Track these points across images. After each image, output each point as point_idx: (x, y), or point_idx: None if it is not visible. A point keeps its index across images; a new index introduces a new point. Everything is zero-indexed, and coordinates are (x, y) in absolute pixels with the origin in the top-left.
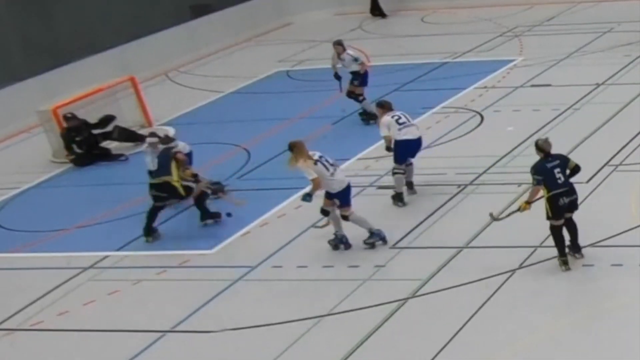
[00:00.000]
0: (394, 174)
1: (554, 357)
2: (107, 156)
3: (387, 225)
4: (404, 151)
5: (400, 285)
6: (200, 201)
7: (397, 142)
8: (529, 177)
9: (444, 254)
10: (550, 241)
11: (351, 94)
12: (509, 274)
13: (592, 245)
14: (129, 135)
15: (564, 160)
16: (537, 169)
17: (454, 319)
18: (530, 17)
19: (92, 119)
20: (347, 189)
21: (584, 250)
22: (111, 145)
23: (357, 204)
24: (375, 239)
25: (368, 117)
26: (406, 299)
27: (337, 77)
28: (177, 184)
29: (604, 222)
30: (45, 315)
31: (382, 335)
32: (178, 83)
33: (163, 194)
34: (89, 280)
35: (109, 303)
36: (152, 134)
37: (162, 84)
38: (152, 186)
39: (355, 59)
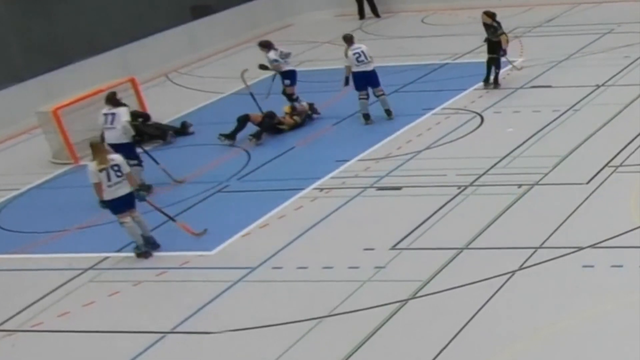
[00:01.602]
0: (359, 99)
1: (554, 358)
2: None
3: (388, 225)
4: (359, 80)
5: (401, 286)
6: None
7: (353, 74)
8: (529, 179)
9: (445, 255)
10: (551, 242)
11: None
12: (509, 274)
13: (592, 246)
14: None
15: None
16: None
17: (455, 320)
18: (531, 19)
19: (93, 119)
20: (119, 199)
21: (583, 251)
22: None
23: (357, 205)
24: (139, 250)
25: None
26: (406, 300)
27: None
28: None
29: (604, 223)
30: (46, 317)
31: (383, 336)
32: (178, 84)
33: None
34: (89, 281)
35: (109, 304)
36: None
37: (162, 85)
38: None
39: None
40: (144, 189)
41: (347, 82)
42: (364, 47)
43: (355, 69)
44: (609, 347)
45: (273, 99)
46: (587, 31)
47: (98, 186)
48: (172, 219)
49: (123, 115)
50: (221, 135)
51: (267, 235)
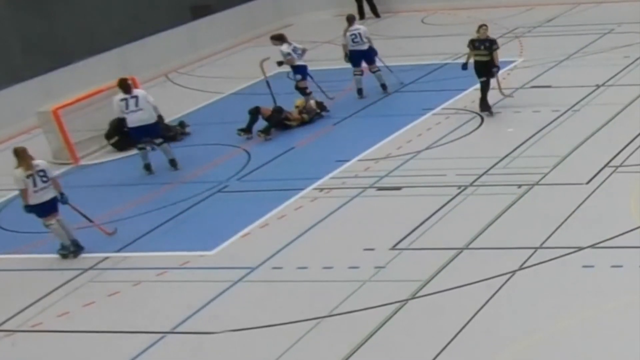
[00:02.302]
0: (354, 74)
1: (554, 358)
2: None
3: (388, 225)
4: (354, 58)
5: (401, 286)
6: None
7: (349, 52)
8: (529, 179)
9: (445, 255)
10: (551, 242)
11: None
12: (510, 275)
13: (592, 246)
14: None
15: None
16: None
17: (455, 320)
18: (531, 18)
19: (93, 119)
20: (44, 204)
21: (583, 251)
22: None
23: (357, 205)
24: (66, 251)
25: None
26: (406, 300)
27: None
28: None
29: (604, 223)
30: (46, 317)
31: (383, 336)
32: (178, 84)
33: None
34: (89, 281)
35: (109, 304)
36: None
37: (162, 85)
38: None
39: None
40: (173, 164)
41: (347, 59)
42: (362, 29)
43: (350, 48)
44: (609, 347)
45: (285, 95)
46: (587, 31)
47: (24, 192)
48: (89, 219)
49: (148, 95)
50: (239, 130)
51: (267, 235)
